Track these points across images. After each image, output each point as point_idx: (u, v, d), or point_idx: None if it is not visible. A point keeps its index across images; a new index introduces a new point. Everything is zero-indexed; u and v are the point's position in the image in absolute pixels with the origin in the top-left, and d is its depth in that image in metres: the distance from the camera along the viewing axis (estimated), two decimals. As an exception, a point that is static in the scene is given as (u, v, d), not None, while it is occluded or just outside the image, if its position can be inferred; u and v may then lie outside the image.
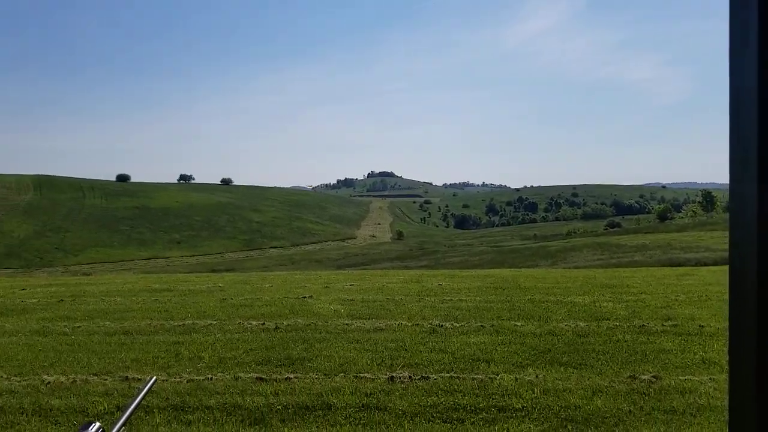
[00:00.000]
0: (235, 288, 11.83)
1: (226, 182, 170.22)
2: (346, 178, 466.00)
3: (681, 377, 5.02)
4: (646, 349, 5.98)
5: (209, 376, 5.32)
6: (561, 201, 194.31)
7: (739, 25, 0.82)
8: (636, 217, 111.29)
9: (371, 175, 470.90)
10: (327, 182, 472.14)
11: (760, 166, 0.71)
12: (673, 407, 4.33)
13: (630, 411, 4.30)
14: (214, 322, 7.88)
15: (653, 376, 5.02)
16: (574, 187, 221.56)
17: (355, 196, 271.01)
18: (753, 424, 0.65)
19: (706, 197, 79.84)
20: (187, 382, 5.18)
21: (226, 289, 11.70)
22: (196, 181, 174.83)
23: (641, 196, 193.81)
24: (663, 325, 7.10)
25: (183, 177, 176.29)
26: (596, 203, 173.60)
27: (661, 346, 6.11)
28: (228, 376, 5.30)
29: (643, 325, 7.09)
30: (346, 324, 7.54)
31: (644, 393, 4.65)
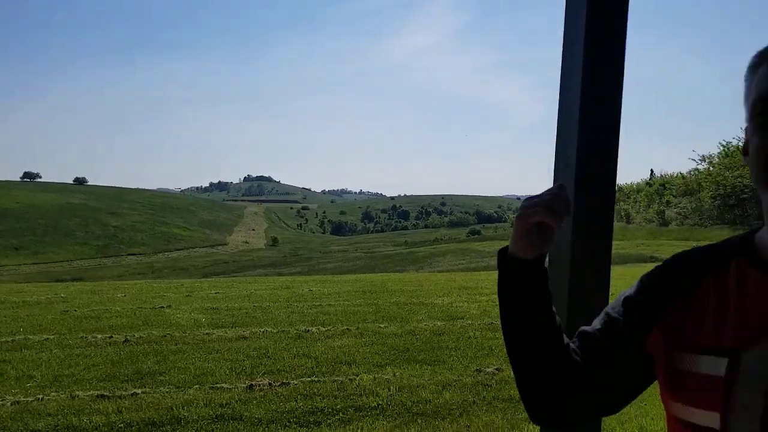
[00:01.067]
0: (81, 298, 10.80)
1: (80, 182, 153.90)
2: (219, 182, 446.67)
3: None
4: (492, 344, 6.47)
5: (39, 396, 4.78)
6: (431, 210, 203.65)
7: (570, 58, 1.08)
8: (494, 225, 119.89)
9: (248, 179, 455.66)
10: (198, 185, 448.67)
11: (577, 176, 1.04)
12: (511, 396, 4.73)
13: (474, 402, 4.62)
14: (52, 336, 7.11)
15: (496, 368, 5.45)
16: (443, 196, 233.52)
17: (228, 200, 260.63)
18: None
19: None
20: (11, 404, 4.61)
21: (69, 300, 10.62)
22: (44, 179, 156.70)
23: (499, 206, 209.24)
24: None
25: (27, 174, 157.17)
26: (461, 212, 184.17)
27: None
28: (63, 396, 4.81)
29: (491, 322, 7.66)
30: (207, 334, 7.25)
31: (487, 384, 5.03)
